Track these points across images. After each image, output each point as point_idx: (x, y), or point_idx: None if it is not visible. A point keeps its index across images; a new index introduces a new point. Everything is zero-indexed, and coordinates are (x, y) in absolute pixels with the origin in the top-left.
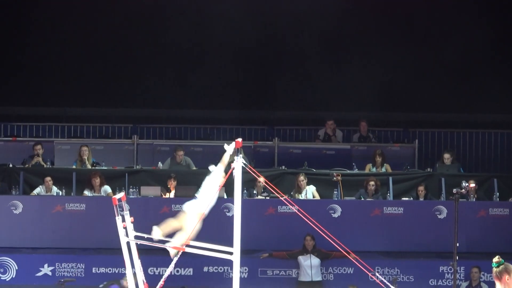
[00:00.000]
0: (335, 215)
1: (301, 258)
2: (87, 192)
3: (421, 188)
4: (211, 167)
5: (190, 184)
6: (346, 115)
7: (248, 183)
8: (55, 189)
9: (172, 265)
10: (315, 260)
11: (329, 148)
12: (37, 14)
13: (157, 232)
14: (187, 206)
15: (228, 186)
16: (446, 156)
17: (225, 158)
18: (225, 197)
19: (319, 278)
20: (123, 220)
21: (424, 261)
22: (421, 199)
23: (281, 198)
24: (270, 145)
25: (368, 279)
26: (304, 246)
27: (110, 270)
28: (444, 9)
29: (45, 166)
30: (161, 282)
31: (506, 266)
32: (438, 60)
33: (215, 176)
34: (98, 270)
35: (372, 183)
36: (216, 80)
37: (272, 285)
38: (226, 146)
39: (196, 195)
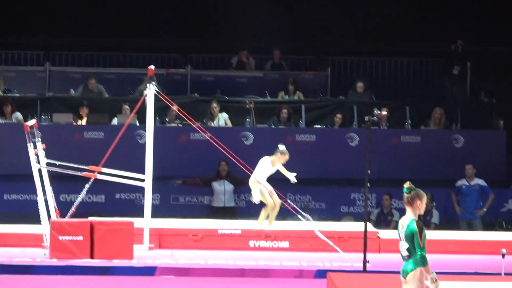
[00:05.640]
0: (248, 142)
1: (215, 184)
2: None
3: (338, 116)
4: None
5: (102, 112)
6: (259, 43)
7: (161, 110)
8: None
9: (84, 191)
10: (229, 186)
11: (242, 76)
12: None
13: None
14: None
15: (140, 113)
16: (359, 84)
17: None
18: (137, 124)
19: (232, 204)
20: (35, 147)
21: (335, 188)
22: (337, 127)
23: (193, 125)
24: (183, 72)
25: (281, 205)
26: (218, 172)
27: (21, 197)
28: None
29: None
30: (73, 209)
31: (417, 192)
32: None
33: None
34: (10, 196)
35: (284, 110)
36: (129, 7)
37: (184, 211)
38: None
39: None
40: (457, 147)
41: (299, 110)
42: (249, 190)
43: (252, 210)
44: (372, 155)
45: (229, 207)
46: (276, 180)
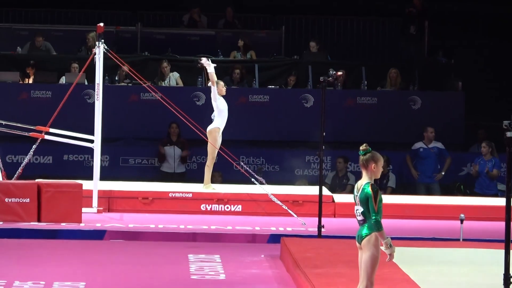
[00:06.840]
0: (199, 103)
1: (166, 148)
2: None
3: (292, 78)
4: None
5: (49, 70)
6: (211, 0)
7: (110, 69)
8: None
9: (31, 153)
10: (179, 151)
11: (194, 34)
12: None
13: None
14: None
15: (89, 72)
16: (312, 44)
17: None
18: (86, 83)
19: (182, 170)
20: None
21: (290, 151)
22: (291, 87)
23: (143, 85)
24: (133, 30)
25: (233, 168)
26: (168, 134)
27: None
28: None
29: None
30: (19, 170)
31: (373, 154)
32: None
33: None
34: None
35: (237, 70)
36: None
37: (133, 173)
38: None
39: None
40: (414, 109)
41: (253, 70)
42: (200, 153)
43: (203, 173)
44: (327, 117)
45: (179, 173)
46: (229, 142)
